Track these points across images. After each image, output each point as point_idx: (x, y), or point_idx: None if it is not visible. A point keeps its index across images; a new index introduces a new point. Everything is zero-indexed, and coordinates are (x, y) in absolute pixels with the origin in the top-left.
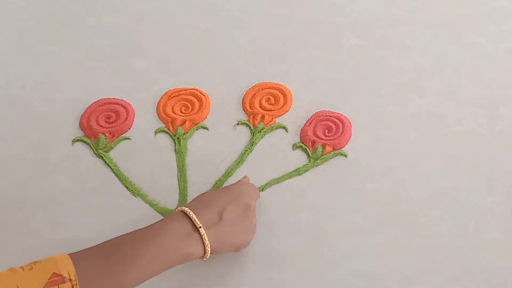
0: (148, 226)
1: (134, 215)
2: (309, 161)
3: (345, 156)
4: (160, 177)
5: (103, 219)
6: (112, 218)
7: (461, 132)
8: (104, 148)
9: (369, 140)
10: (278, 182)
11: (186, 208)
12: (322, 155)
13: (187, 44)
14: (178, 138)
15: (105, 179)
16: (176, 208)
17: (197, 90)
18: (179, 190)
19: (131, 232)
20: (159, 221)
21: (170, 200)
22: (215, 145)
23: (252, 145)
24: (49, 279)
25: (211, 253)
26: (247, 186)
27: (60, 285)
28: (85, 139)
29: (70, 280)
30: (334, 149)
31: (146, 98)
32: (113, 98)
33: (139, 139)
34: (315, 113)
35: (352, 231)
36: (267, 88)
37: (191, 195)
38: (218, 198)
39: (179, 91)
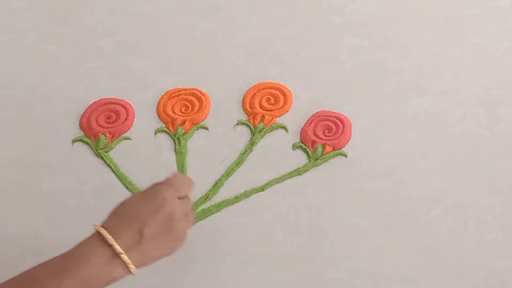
0: (65, 255)
1: None
2: (309, 161)
3: (345, 156)
4: (160, 177)
5: (103, 219)
6: None
7: (461, 132)
8: (104, 148)
9: (369, 140)
10: (278, 182)
11: (104, 231)
12: (322, 155)
13: (187, 44)
14: (178, 138)
15: (105, 179)
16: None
17: (197, 90)
18: None
19: (48, 261)
20: (76, 247)
21: None
22: (215, 145)
23: (252, 145)
24: None
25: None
26: (169, 191)
27: None
28: (85, 139)
29: None
30: (334, 149)
31: (146, 98)
32: (113, 98)
33: (139, 139)
34: (315, 113)
35: (352, 231)
36: (267, 88)
37: (191, 195)
38: (137, 212)
39: (179, 91)
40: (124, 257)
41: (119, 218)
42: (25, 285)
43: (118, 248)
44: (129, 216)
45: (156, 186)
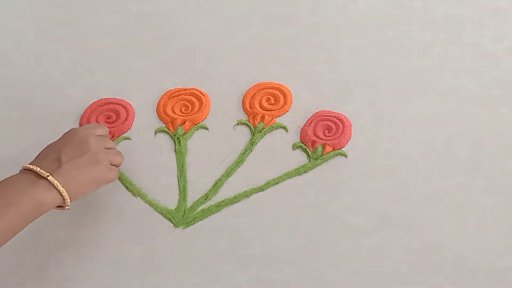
0: None
1: (134, 215)
2: (309, 161)
3: (345, 156)
4: (160, 177)
5: (103, 219)
6: (112, 218)
7: (461, 132)
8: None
9: (369, 140)
10: (278, 182)
11: (26, 165)
12: (322, 155)
13: (187, 44)
14: (178, 138)
15: None
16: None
17: (197, 90)
18: (179, 190)
19: None
20: (1, 184)
21: (170, 200)
22: (215, 145)
23: (252, 145)
24: None
25: (71, 199)
26: (81, 127)
27: None
28: None
29: None
30: (334, 149)
31: (146, 98)
32: (113, 98)
33: (139, 139)
34: (315, 113)
35: (352, 231)
36: (267, 88)
37: (191, 195)
38: (52, 148)
39: (179, 91)
40: (51, 178)
41: (38, 157)
42: None
43: (43, 171)
44: (46, 152)
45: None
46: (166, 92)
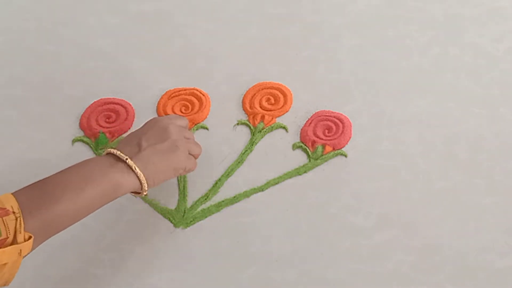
0: (76, 164)
1: (134, 215)
2: (309, 161)
3: (345, 156)
4: None
5: (103, 219)
6: (112, 218)
7: (461, 132)
8: (104, 148)
9: (369, 140)
10: (278, 182)
11: (108, 149)
12: (322, 155)
13: (187, 44)
14: None
15: None
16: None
17: (197, 90)
18: (179, 190)
19: (61, 176)
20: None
21: (170, 200)
22: (215, 145)
23: (252, 145)
24: None
25: (148, 185)
26: (163, 117)
27: (4, 217)
28: (85, 139)
29: (14, 212)
30: (334, 149)
31: (146, 98)
32: (113, 98)
33: None
34: (315, 113)
35: (352, 231)
36: (267, 88)
37: (191, 195)
38: (134, 134)
39: (179, 91)
40: (130, 161)
41: (121, 143)
42: (42, 183)
43: (122, 154)
44: (129, 138)
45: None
46: (166, 92)
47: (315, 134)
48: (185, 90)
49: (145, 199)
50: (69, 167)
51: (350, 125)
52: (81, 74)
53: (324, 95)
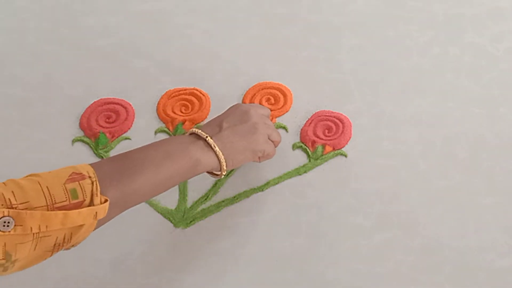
0: (156, 141)
1: (134, 215)
2: (309, 161)
3: (345, 156)
4: None
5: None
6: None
7: (461, 132)
8: (104, 148)
9: (369, 140)
10: (278, 182)
11: (191, 129)
12: (322, 155)
13: (187, 44)
14: None
15: None
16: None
17: (197, 90)
18: (179, 190)
19: (144, 150)
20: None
21: (170, 200)
22: None
23: None
24: (69, 176)
25: (227, 165)
26: (242, 104)
27: (80, 182)
28: (85, 139)
29: (90, 177)
30: (334, 149)
31: (146, 98)
32: (113, 98)
33: (139, 139)
34: (315, 113)
35: (352, 231)
36: (267, 88)
37: (191, 195)
38: (217, 117)
39: (179, 91)
40: (210, 139)
41: (204, 125)
42: (121, 156)
43: (203, 133)
44: (212, 121)
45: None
46: (166, 92)
47: (315, 134)
48: (185, 90)
49: None
50: (149, 144)
51: (350, 125)
52: (81, 74)
53: (324, 95)
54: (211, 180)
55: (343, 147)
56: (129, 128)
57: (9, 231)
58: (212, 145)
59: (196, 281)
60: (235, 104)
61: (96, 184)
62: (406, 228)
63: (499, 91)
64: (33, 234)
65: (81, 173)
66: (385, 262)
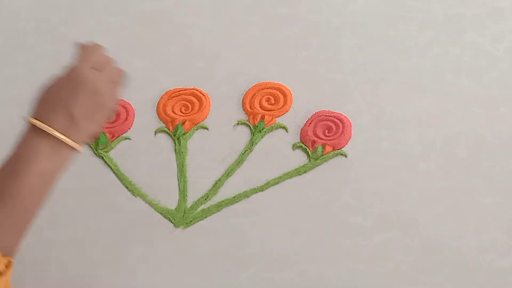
0: (12, 158)
1: (134, 215)
2: (309, 161)
3: (345, 156)
4: (160, 177)
5: (103, 219)
6: (112, 218)
7: (461, 132)
8: (104, 148)
9: (369, 140)
10: (278, 182)
11: (39, 123)
12: (322, 155)
13: (187, 44)
14: (178, 138)
15: (105, 179)
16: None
17: (197, 90)
18: (179, 190)
19: None
20: (19, 148)
21: (170, 200)
22: (215, 145)
23: (252, 145)
24: None
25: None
26: (82, 64)
27: None
28: None
29: None
30: (334, 149)
31: (146, 98)
32: None
33: (139, 139)
34: (315, 113)
35: (352, 231)
36: (267, 88)
37: (191, 195)
38: (60, 95)
39: (179, 91)
40: (69, 141)
41: (46, 105)
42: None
43: (59, 135)
44: (54, 101)
45: (70, 66)
46: (166, 92)
47: (315, 134)
48: (185, 90)
49: (145, 199)
50: (11, 164)
51: (350, 125)
52: None
53: (324, 95)
54: (211, 180)
55: (343, 147)
56: (129, 128)
57: None
58: (77, 148)
59: (196, 281)
60: (73, 74)
61: None
62: (406, 228)
63: (499, 91)
64: None
65: None
66: (385, 262)
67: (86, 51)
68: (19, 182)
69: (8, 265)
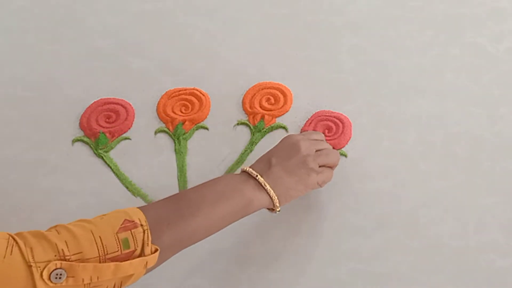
0: (209, 180)
1: None
2: None
3: (345, 156)
4: (160, 177)
5: None
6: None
7: (461, 132)
8: (104, 148)
9: (369, 140)
10: None
11: (243, 167)
12: None
13: (187, 44)
14: (178, 138)
15: (105, 179)
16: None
17: (197, 90)
18: (179, 190)
19: (199, 190)
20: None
21: None
22: (215, 145)
23: (252, 145)
24: (121, 225)
25: (280, 202)
26: (292, 135)
27: (132, 230)
28: (85, 139)
29: (142, 225)
30: (334, 149)
31: (146, 98)
32: (113, 98)
33: (139, 139)
34: (315, 113)
35: (352, 231)
36: (267, 88)
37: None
38: (268, 152)
39: (179, 91)
40: (260, 178)
41: (255, 161)
42: (174, 199)
43: (253, 171)
44: (262, 156)
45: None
46: (166, 92)
47: None
48: (185, 90)
49: (145, 199)
50: (203, 183)
51: (350, 125)
52: (81, 74)
53: (324, 95)
54: None
55: (343, 147)
56: (129, 128)
57: (61, 283)
58: (263, 184)
59: (196, 281)
60: (286, 136)
61: (148, 233)
62: (406, 228)
63: (499, 91)
64: (84, 285)
65: (133, 221)
66: (385, 262)
67: (308, 132)
68: (201, 193)
69: (154, 252)
